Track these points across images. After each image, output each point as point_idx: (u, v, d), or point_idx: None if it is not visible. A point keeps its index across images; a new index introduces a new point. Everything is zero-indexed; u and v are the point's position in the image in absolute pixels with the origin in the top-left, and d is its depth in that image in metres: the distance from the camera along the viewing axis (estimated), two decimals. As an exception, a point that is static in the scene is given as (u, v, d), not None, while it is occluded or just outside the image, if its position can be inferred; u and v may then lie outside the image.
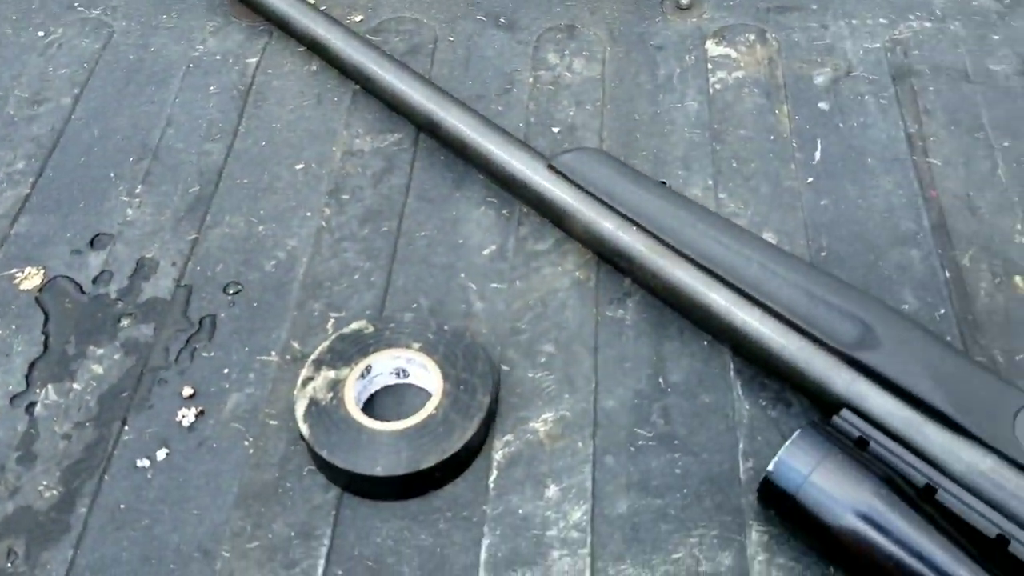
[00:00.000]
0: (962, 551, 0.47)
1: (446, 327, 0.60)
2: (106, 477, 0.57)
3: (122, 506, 0.56)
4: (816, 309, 0.56)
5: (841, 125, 0.76)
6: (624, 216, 0.63)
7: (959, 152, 0.73)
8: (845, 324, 0.56)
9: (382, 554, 0.54)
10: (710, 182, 0.72)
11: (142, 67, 0.84)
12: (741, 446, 0.57)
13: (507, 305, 0.65)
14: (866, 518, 0.48)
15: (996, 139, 0.74)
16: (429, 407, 0.56)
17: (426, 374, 0.59)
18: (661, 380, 0.61)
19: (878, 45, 0.82)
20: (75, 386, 0.62)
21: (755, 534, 0.53)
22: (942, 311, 0.63)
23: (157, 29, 0.88)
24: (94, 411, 0.60)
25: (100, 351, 0.64)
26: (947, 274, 0.65)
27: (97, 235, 0.71)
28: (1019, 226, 0.68)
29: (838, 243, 0.68)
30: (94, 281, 0.68)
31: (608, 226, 0.63)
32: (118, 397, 0.61)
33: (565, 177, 0.66)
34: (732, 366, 0.61)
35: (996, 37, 0.82)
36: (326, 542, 0.54)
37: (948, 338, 0.61)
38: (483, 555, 0.53)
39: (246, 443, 0.59)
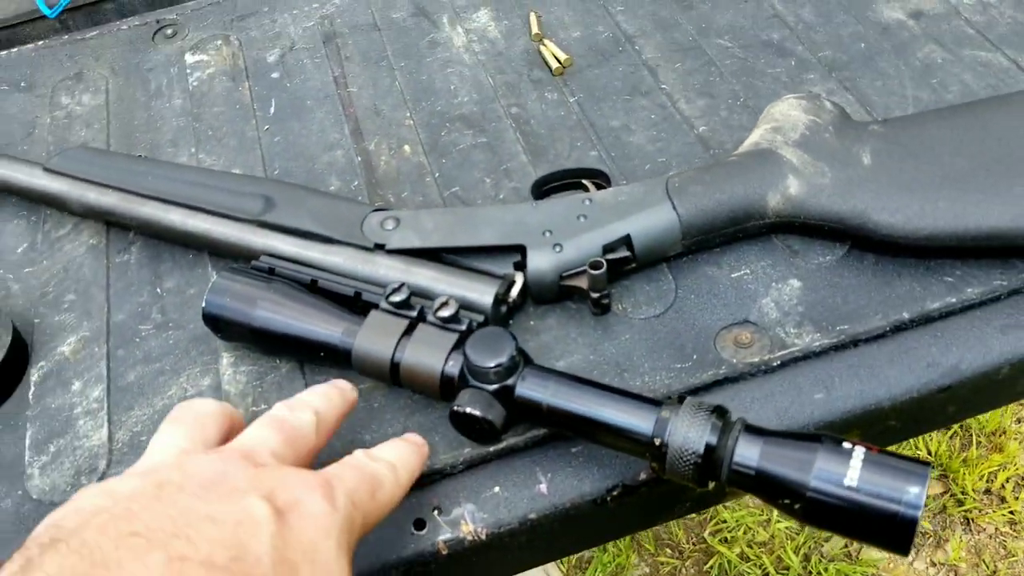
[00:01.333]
0: (333, 309, 0.70)
1: (-25, 302, 0.78)
2: None
3: None
4: (233, 199, 0.79)
5: (288, 85, 1.00)
6: (101, 184, 0.83)
7: (369, 79, 0.99)
8: (253, 201, 0.78)
9: (-52, 469, 0.70)
10: (193, 150, 0.94)
11: None
12: (216, 311, 0.78)
13: (38, 280, 0.83)
14: (267, 312, 0.70)
15: (396, 63, 1.00)
16: (-35, 357, 0.73)
17: (-35, 340, 0.76)
18: (159, 290, 0.81)
19: (312, 23, 1.07)
20: None
21: (225, 360, 0.74)
22: (356, 183, 0.87)
23: None
24: None
25: None
26: (359, 159, 0.90)
27: None
28: (409, 114, 0.94)
29: (287, 163, 0.91)
30: None
31: (92, 195, 0.83)
32: None
33: (56, 172, 0.85)
34: (209, 264, 0.82)
35: (397, -5, 1.09)
36: (-99, 477, 0.70)
37: (359, 197, 0.85)
38: (27, 441, 0.71)
39: None
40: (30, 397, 0.74)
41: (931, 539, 2.26)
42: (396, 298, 0.68)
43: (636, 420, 0.59)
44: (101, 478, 0.68)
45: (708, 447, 0.56)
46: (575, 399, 0.61)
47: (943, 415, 0.69)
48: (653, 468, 0.59)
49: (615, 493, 0.64)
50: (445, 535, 0.63)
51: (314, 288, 0.73)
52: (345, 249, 0.74)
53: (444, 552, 0.63)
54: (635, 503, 0.65)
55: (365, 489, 0.57)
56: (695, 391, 0.67)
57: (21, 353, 0.76)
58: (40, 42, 1.12)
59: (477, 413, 0.61)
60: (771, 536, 2.25)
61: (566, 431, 0.63)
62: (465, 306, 0.68)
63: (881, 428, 0.67)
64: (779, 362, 0.67)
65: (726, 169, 0.73)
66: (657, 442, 0.58)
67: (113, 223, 0.85)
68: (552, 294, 0.71)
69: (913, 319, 0.68)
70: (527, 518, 0.63)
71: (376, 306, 0.69)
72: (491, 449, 0.65)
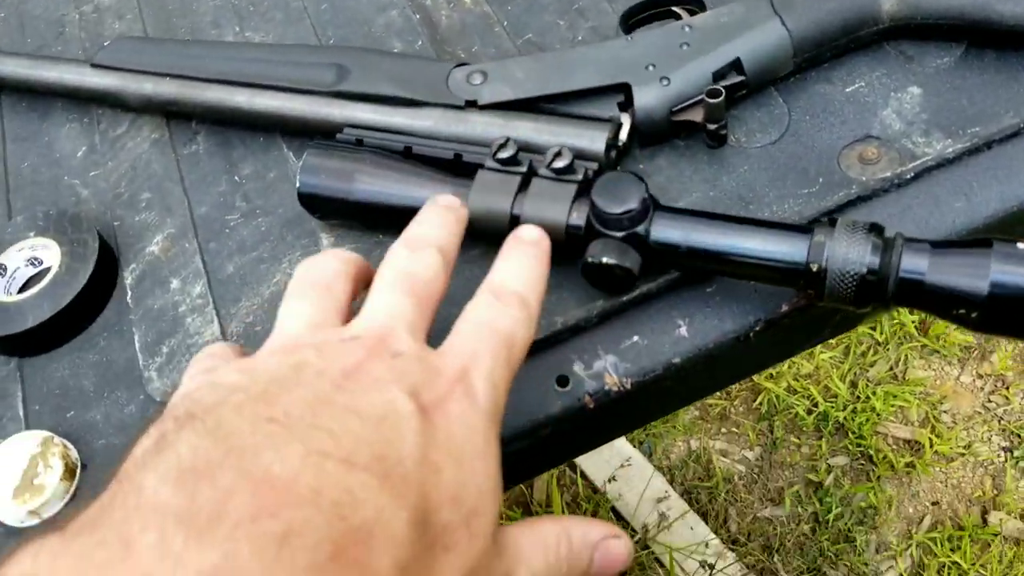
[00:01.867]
0: (437, 175, 0.66)
1: (51, 211, 0.74)
2: None
3: None
4: (302, 72, 0.74)
5: (324, -54, 0.93)
6: (157, 74, 0.78)
7: (411, -71, 0.91)
8: (324, 72, 0.73)
9: (64, 381, 0.68)
10: (237, 28, 0.88)
11: None
12: (303, 192, 0.75)
13: (106, 182, 0.79)
14: (367, 184, 0.66)
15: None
16: (54, 267, 0.70)
17: (50, 252, 0.73)
18: (236, 177, 0.77)
19: None
20: None
21: (325, 240, 0.71)
22: (419, 43, 0.82)
23: None
24: None
25: None
26: (417, 16, 0.84)
27: None
28: (462, -38, 0.87)
29: (339, 29, 0.85)
30: None
31: (148, 86, 0.78)
32: None
33: (107, 67, 0.80)
34: (284, 145, 0.78)
35: None
36: (19, 394, 0.68)
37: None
38: (137, 345, 0.69)
39: (-67, 366, 0.71)
40: (129, 301, 0.72)
41: (976, 352, 2.28)
42: (504, 154, 0.64)
43: (788, 248, 0.56)
44: (224, 373, 0.66)
45: (871, 265, 0.54)
46: (718, 235, 0.58)
47: (1083, 207, 0.66)
48: (809, 295, 0.57)
49: (757, 328, 0.62)
50: (591, 388, 0.61)
51: (409, 155, 0.69)
52: (434, 110, 0.70)
53: (591, 406, 0.61)
54: (776, 335, 0.63)
55: (503, 359, 0.52)
56: (827, 214, 0.64)
57: (109, 258, 0.73)
58: (45, -67, 1.04)
59: (613, 262, 0.58)
60: (816, 367, 2.28)
61: (708, 270, 0.60)
62: (576, 155, 0.64)
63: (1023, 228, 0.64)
64: (912, 174, 0.64)
65: (834, -24, 0.67)
66: (815, 268, 0.55)
67: (173, 114, 0.80)
68: (663, 132, 0.67)
69: (1048, 113, 0.64)
70: (671, 363, 0.62)
71: (481, 166, 0.65)
72: (624, 299, 0.63)
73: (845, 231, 0.55)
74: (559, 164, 0.62)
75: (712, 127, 0.64)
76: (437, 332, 0.54)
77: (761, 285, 0.62)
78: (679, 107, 0.66)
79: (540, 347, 0.63)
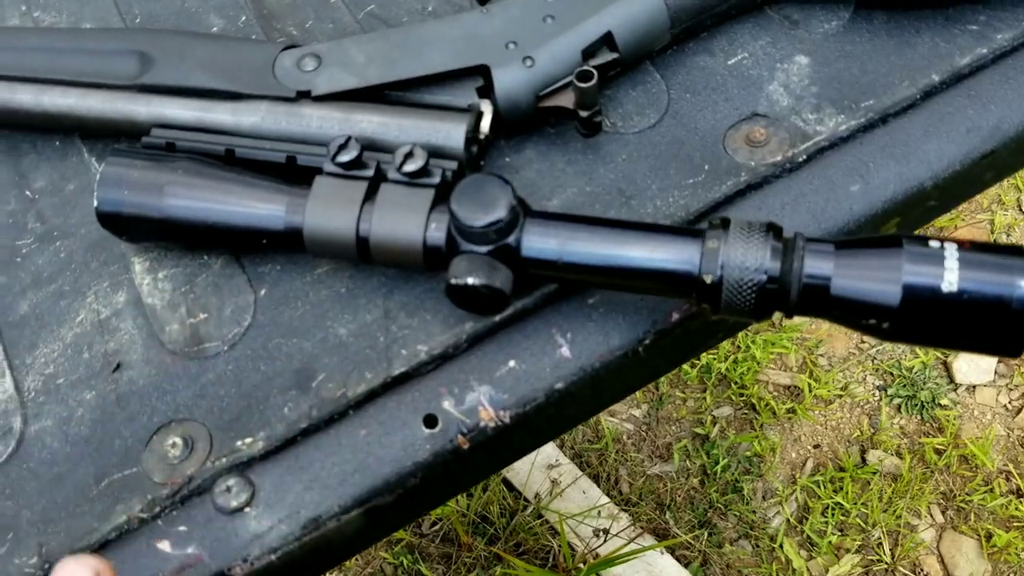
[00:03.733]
0: (263, 184, 0.55)
1: None
2: None
3: None
4: (97, 62, 0.61)
5: (123, -96, 0.79)
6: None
7: None
8: (124, 61, 0.61)
9: None
10: (24, 8, 0.74)
11: None
12: (110, 207, 0.62)
13: None
14: (177, 198, 0.55)
15: None
16: None
17: None
18: (28, 192, 0.64)
19: None
20: None
21: (138, 266, 0.60)
22: (243, 18, 0.70)
23: None
24: None
25: None
26: (238, -13, 0.72)
27: None
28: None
29: (149, 5, 0.72)
30: None
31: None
32: None
33: None
34: (84, 149, 0.65)
35: None
36: None
37: (252, 36, 0.69)
38: (-91, 413, 0.56)
39: None
40: None
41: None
42: (345, 156, 0.54)
43: (677, 256, 0.49)
44: (20, 441, 0.55)
45: (771, 272, 0.47)
46: (597, 245, 0.50)
47: (980, 183, 0.61)
48: (702, 309, 0.50)
49: (647, 341, 0.55)
50: (464, 426, 0.53)
51: (232, 160, 0.58)
52: (260, 104, 0.59)
53: (466, 446, 0.53)
54: (667, 346, 0.56)
55: None
56: (716, 207, 0.57)
57: None
58: None
59: (479, 282, 0.50)
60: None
61: (588, 283, 0.52)
62: (431, 153, 0.55)
63: (922, 210, 0.59)
64: (804, 156, 0.58)
65: (709, -68, 0.60)
66: (708, 279, 0.48)
67: (-59, 117, 0.66)
68: (530, 120, 0.59)
69: (943, 80, 0.59)
70: (553, 389, 0.54)
71: (320, 170, 0.55)
72: (497, 319, 0.55)
73: (740, 235, 0.48)
74: (411, 167, 0.53)
75: (585, 114, 0.56)
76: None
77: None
78: (546, 91, 0.57)
79: (402, 382, 0.54)
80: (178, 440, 0.53)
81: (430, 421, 0.53)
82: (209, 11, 0.71)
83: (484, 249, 0.51)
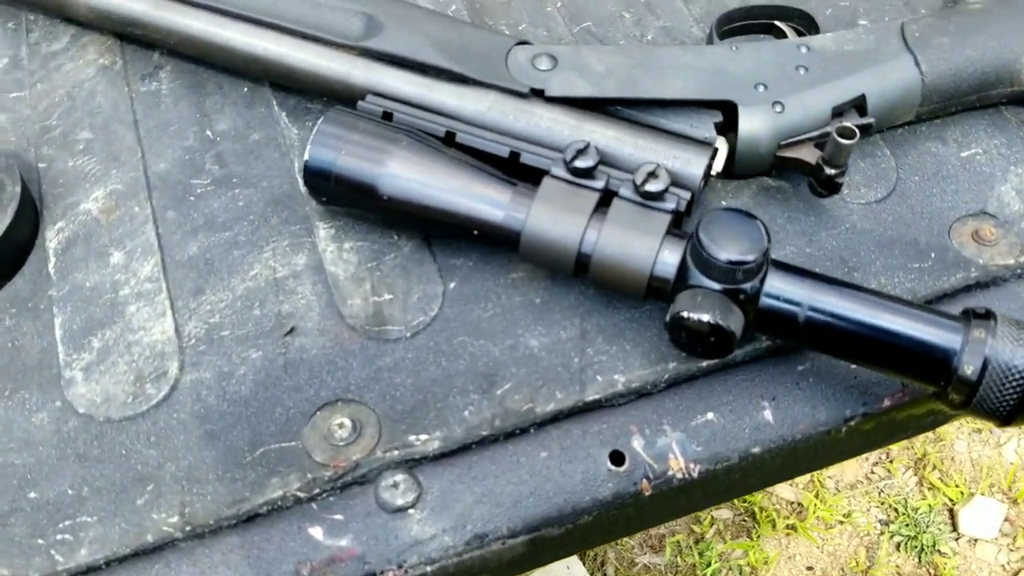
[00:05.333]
0: (486, 174, 0.52)
1: (-44, 136, 0.56)
2: None
3: None
4: (320, 14, 0.59)
5: None
6: (122, -17, 0.61)
7: None
8: (350, 20, 0.58)
9: (-52, 369, 0.51)
10: (222, -51, 0.71)
11: None
12: (296, 165, 0.59)
13: (32, 109, 0.61)
14: (398, 172, 0.52)
15: None
16: (-48, 213, 0.53)
17: (-53, 188, 0.55)
18: (209, 132, 0.61)
19: None
20: None
21: (323, 231, 0.56)
22: (453, 7, 0.67)
23: None
24: None
25: None
26: (453, -25, 0.70)
27: None
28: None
29: (354, -26, 0.70)
30: None
31: (109, -3, 0.61)
32: None
33: (51, -37, 0.62)
34: (275, 101, 0.62)
35: None
36: None
37: (462, 27, 0.66)
38: (58, 333, 0.52)
39: None
40: (51, 271, 0.54)
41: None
42: (581, 163, 0.51)
43: (935, 339, 0.46)
44: (174, 388, 0.50)
45: (1041, 378, 0.44)
46: (846, 307, 0.47)
47: None
48: (951, 400, 0.46)
49: (852, 423, 0.51)
50: (651, 471, 0.49)
51: (450, 143, 0.55)
52: (488, 93, 0.56)
53: (648, 492, 0.49)
54: (869, 430, 0.53)
55: None
56: (942, 298, 0.54)
57: (30, 210, 0.55)
58: None
59: (715, 321, 0.46)
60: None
61: (822, 348, 0.49)
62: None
63: None
64: (1037, 265, 0.55)
65: (975, 20, 0.58)
66: (968, 369, 0.45)
67: (132, 37, 0.63)
68: (764, 166, 0.56)
69: None
70: (748, 452, 0.50)
71: (544, 172, 0.52)
72: (703, 364, 0.51)
73: (1010, 331, 0.45)
74: (652, 187, 0.50)
75: (830, 172, 0.53)
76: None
77: (863, 371, 0.52)
78: (789, 140, 0.55)
79: (592, 410, 0.50)
80: (346, 421, 0.49)
81: (616, 458, 0.49)
82: (418, -7, 0.68)
83: (719, 287, 0.47)
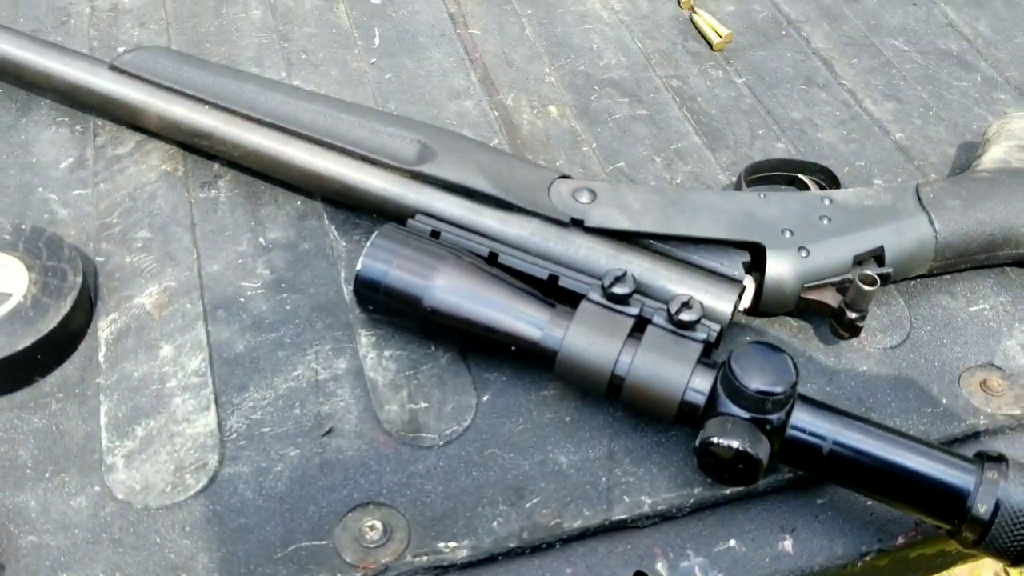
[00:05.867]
0: (526, 294, 0.55)
1: (24, 225, 0.59)
2: None
3: None
4: (379, 139, 0.63)
5: (393, 15, 0.84)
6: (195, 98, 0.65)
7: (494, 22, 0.84)
8: (405, 146, 0.63)
9: (7, 453, 0.52)
10: (283, 74, 0.77)
11: None
12: (343, 276, 0.62)
13: (94, 207, 0.65)
14: (444, 286, 0.55)
15: (522, 9, 0.86)
16: (17, 296, 0.55)
17: (7, 273, 0.57)
18: (262, 240, 0.64)
19: (415, -53, 0.91)
20: None
21: (364, 339, 0.59)
22: (495, 141, 0.72)
23: None
24: None
25: None
26: (496, 113, 0.75)
27: None
28: (547, 70, 0.80)
29: (404, 105, 0.75)
30: None
31: (180, 110, 0.65)
32: None
33: (130, 75, 0.67)
34: (325, 215, 0.66)
35: (511, -67, 0.95)
36: (-76, 451, 0.51)
37: (504, 159, 0.71)
38: (103, 420, 0.53)
39: None
40: (101, 359, 0.56)
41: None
42: (619, 289, 0.54)
43: (950, 478, 0.48)
44: (212, 480, 0.51)
45: (1055, 523, 0.46)
46: (870, 443, 0.49)
47: None
48: (964, 538, 0.48)
49: (868, 558, 0.53)
50: (674, 595, 0.50)
51: (493, 262, 0.58)
52: (531, 220, 0.60)
53: (670, 616, 0.50)
54: (883, 566, 0.54)
55: None
56: (953, 442, 0.56)
57: (87, 301, 0.58)
58: (68, -84, 0.91)
59: (744, 448, 0.48)
60: None
61: (843, 482, 0.51)
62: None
63: None
64: (1043, 417, 0.58)
65: (984, 187, 0.63)
66: (982, 508, 0.47)
67: (197, 147, 0.67)
68: (788, 306, 0.59)
69: None
70: (769, 580, 0.51)
71: (584, 296, 0.55)
72: (727, 491, 0.53)
73: (1022, 475, 0.47)
74: (686, 316, 0.53)
75: (852, 316, 0.57)
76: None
77: (879, 507, 0.53)
78: (813, 284, 0.58)
79: (618, 529, 0.52)
80: (377, 524, 0.50)
81: (641, 579, 0.50)
82: (464, 127, 0.73)
83: (747, 416, 0.50)
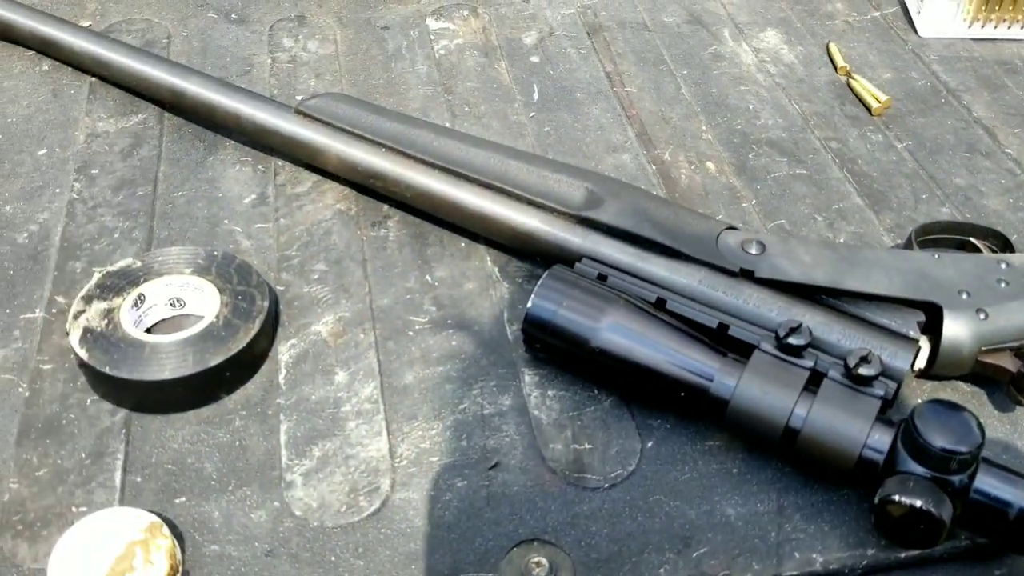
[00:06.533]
0: (696, 341, 0.56)
1: (216, 252, 0.63)
2: None
3: None
4: (547, 185, 0.65)
5: (551, 72, 0.87)
6: (373, 141, 0.69)
7: (650, 81, 0.86)
8: (573, 192, 0.64)
9: (181, 457, 0.54)
10: (448, 124, 0.80)
11: None
12: (506, 315, 0.64)
13: (275, 239, 0.68)
14: (614, 329, 0.55)
15: (677, 69, 0.87)
16: (210, 316, 0.58)
17: (202, 297, 0.61)
18: (428, 278, 0.66)
19: (572, 11, 0.95)
20: None
21: (528, 377, 0.60)
22: (655, 192, 0.73)
23: None
24: None
25: None
26: (653, 167, 0.76)
27: None
28: (704, 127, 0.81)
29: (563, 157, 0.77)
30: None
31: (358, 153, 0.69)
32: None
33: (313, 118, 0.71)
34: (489, 257, 0.68)
35: (665, -2, 0.97)
36: (120, 457, 0.54)
37: (662, 212, 0.72)
38: (283, 438, 0.56)
39: (20, 389, 0.57)
40: (281, 381, 0.59)
41: None
42: (794, 340, 0.54)
43: None
44: (385, 504, 0.53)
45: None
46: (1064, 513, 0.47)
47: None
48: None
49: (1054, 638, 0.50)
50: (847, 659, 0.48)
51: (661, 309, 0.58)
52: (699, 269, 0.60)
53: None
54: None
55: None
56: None
57: (272, 325, 0.61)
58: (251, -24, 0.98)
59: (927, 508, 0.47)
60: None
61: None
62: (873, 366, 0.54)
63: None
64: None
65: None
66: None
67: (372, 188, 0.70)
68: (963, 369, 0.57)
69: None
70: (947, 653, 0.49)
71: (748, 345, 0.55)
72: (902, 555, 0.51)
73: None
74: (865, 371, 0.52)
75: (1034, 382, 0.55)
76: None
77: (1065, 585, 0.50)
78: (990, 347, 0.56)
79: (787, 586, 0.50)
80: (543, 561, 0.50)
81: (811, 639, 0.49)
82: (622, 179, 0.75)
83: (929, 475, 0.48)
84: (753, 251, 0.60)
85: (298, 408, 0.57)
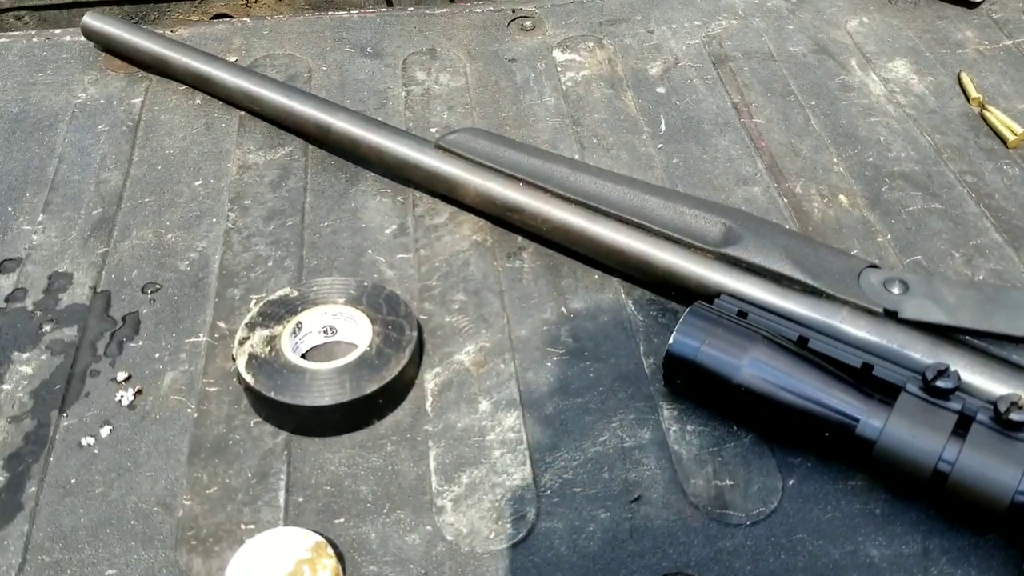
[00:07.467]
0: (840, 381, 0.56)
1: (366, 283, 0.66)
2: (51, 458, 0.59)
3: (72, 480, 0.57)
4: (685, 220, 0.66)
5: (678, 103, 0.88)
6: (511, 176, 0.71)
7: (778, 112, 0.86)
8: (711, 228, 0.65)
9: (339, 479, 0.57)
10: (577, 156, 0.82)
11: (25, 117, 0.87)
12: (642, 348, 0.65)
13: (416, 269, 0.71)
14: (757, 367, 0.56)
15: (805, 100, 0.87)
16: (363, 346, 0.61)
17: (354, 326, 0.64)
18: (564, 309, 0.68)
19: (697, 41, 0.96)
20: (4, 387, 0.63)
21: (667, 411, 0.61)
22: (787, 226, 0.74)
23: (34, 85, 0.91)
24: (28, 405, 0.62)
25: (26, 355, 0.65)
26: (785, 200, 0.77)
27: (3, 261, 0.72)
28: (835, 159, 0.81)
29: (693, 189, 0.78)
30: (7, 299, 0.69)
31: (496, 186, 0.71)
32: (51, 391, 0.63)
33: (452, 153, 0.74)
34: (622, 290, 0.69)
35: (790, 27, 0.97)
36: (283, 477, 0.57)
37: (795, 246, 0.72)
38: (432, 464, 0.58)
39: (189, 410, 0.61)
40: (428, 409, 0.61)
41: None
42: (942, 383, 0.53)
43: None
44: (531, 532, 0.55)
45: None
46: None
47: None
48: None
49: None
50: None
51: (803, 347, 0.59)
52: (841, 308, 0.60)
53: None
54: None
55: None
56: None
57: (420, 354, 0.64)
58: (383, 9, 1.02)
59: (1087, 560, 0.46)
60: None
61: None
62: None
63: None
64: None
65: None
66: None
67: (508, 220, 0.73)
68: (1121, 416, 0.56)
69: None
70: None
71: (892, 386, 0.55)
72: (1058, 604, 0.50)
73: None
74: (1016, 417, 0.51)
75: None
76: None
77: None
78: None
79: (936, 631, 0.50)
80: (688, 595, 0.51)
81: None
82: (753, 212, 0.75)
83: (1087, 528, 0.47)
84: (896, 290, 0.60)
85: (445, 435, 0.60)
